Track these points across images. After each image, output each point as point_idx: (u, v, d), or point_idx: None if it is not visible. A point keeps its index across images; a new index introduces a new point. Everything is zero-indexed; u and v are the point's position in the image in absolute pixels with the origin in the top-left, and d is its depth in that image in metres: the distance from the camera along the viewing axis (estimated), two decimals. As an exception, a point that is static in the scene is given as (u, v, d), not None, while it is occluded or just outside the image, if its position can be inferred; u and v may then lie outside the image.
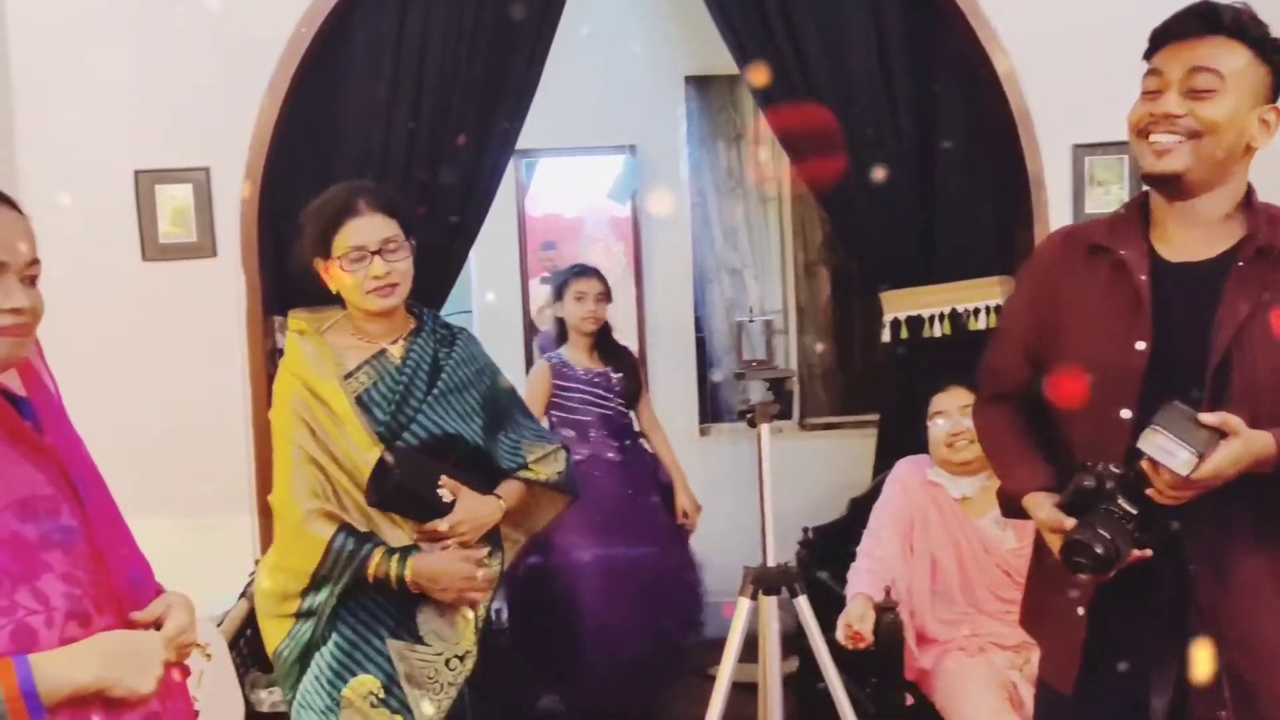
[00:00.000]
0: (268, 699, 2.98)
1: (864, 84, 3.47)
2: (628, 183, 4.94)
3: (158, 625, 1.48)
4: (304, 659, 2.23)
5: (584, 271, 4.01)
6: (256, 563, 3.26)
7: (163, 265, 3.34)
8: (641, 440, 4.03)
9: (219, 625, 3.01)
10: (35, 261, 1.44)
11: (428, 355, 2.31)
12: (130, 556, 1.55)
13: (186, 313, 3.32)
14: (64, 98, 3.27)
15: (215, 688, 1.80)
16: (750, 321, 2.64)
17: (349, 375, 2.25)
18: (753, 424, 2.62)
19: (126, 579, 1.49)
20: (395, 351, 2.30)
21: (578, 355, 3.96)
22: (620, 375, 3.95)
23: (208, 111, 3.29)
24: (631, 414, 4.01)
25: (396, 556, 2.17)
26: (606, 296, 3.97)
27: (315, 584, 2.19)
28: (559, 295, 4.01)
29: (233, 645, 2.97)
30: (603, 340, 4.00)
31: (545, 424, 3.77)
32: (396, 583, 2.17)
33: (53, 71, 3.27)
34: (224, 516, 3.32)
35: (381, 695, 2.18)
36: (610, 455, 3.89)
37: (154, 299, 3.31)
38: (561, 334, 4.05)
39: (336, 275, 2.23)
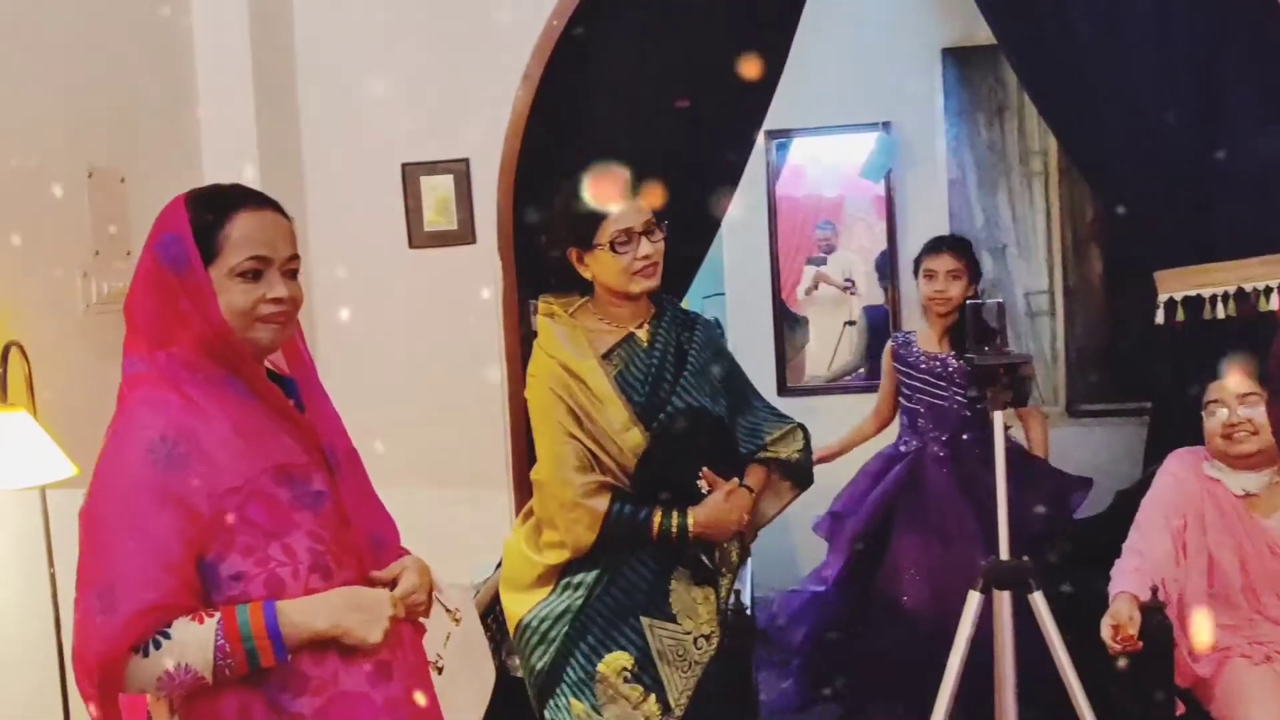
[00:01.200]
0: (517, 665, 3.11)
1: (1137, 49, 3.22)
2: (882, 161, 4.81)
3: (394, 585, 1.62)
4: (555, 628, 2.28)
5: (936, 245, 3.65)
6: (513, 535, 3.42)
7: (427, 252, 3.54)
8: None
9: (475, 594, 3.18)
10: (295, 257, 1.62)
11: (672, 339, 2.35)
12: (375, 521, 1.69)
13: (448, 296, 3.51)
14: (341, 100, 3.52)
15: (464, 650, 1.90)
16: (981, 303, 2.49)
17: (603, 357, 2.31)
18: (988, 411, 2.48)
19: (368, 540, 1.64)
20: (642, 335, 2.34)
21: (926, 337, 3.64)
22: (959, 364, 3.47)
23: (467, 105, 3.46)
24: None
25: (675, 512, 2.23)
26: (964, 274, 3.55)
27: (583, 558, 2.25)
28: (915, 272, 3.70)
29: (488, 613, 3.12)
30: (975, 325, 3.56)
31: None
32: (678, 535, 2.23)
33: (331, 74, 3.53)
34: (482, 490, 3.49)
35: (634, 671, 2.23)
36: (936, 450, 3.56)
37: (419, 284, 3.52)
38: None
39: (601, 260, 2.27)
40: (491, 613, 3.14)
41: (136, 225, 3.01)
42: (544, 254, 2.41)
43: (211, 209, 1.57)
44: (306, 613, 1.50)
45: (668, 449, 2.25)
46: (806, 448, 2.43)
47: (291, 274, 1.61)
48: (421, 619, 1.74)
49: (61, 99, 2.79)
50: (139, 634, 1.42)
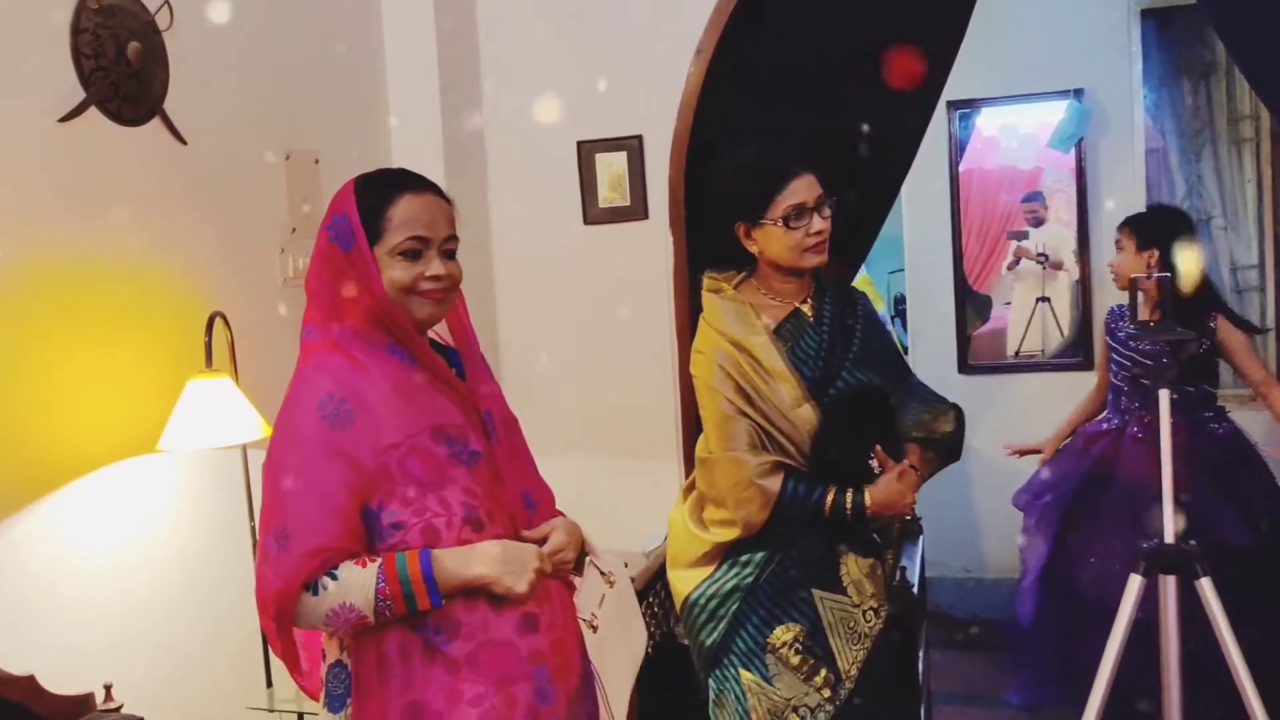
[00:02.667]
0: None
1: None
2: (1072, 129, 4.61)
3: (543, 543, 1.71)
4: (724, 606, 2.29)
5: (1144, 213, 3.53)
6: (679, 506, 3.47)
7: (601, 229, 3.61)
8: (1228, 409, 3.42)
9: (647, 559, 3.25)
10: (453, 238, 1.71)
11: (838, 314, 2.33)
12: (528, 483, 1.79)
13: (621, 272, 3.58)
14: (520, 80, 3.63)
15: (616, 613, 1.96)
16: (1149, 278, 2.37)
17: (773, 333, 2.30)
18: (1153, 388, 2.35)
19: (520, 500, 1.74)
20: (808, 310, 2.32)
21: (1140, 309, 3.44)
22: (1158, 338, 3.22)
23: (641, 82, 3.51)
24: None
25: (850, 491, 2.21)
26: (1142, 247, 3.36)
27: (757, 534, 2.24)
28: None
29: (654, 581, 3.19)
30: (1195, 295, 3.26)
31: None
32: (852, 514, 2.20)
33: (510, 56, 3.64)
34: (651, 461, 3.55)
35: (806, 643, 2.24)
36: (1135, 430, 3.42)
37: (593, 259, 3.60)
38: None
39: (770, 235, 2.26)
40: (660, 579, 3.21)
41: (328, 205, 3.20)
42: (709, 228, 2.41)
43: (376, 192, 1.67)
44: (459, 561, 1.60)
45: (838, 425, 2.23)
46: (957, 428, 2.37)
47: (450, 253, 1.71)
48: (574, 579, 1.81)
49: (263, 87, 2.99)
50: (309, 573, 1.55)
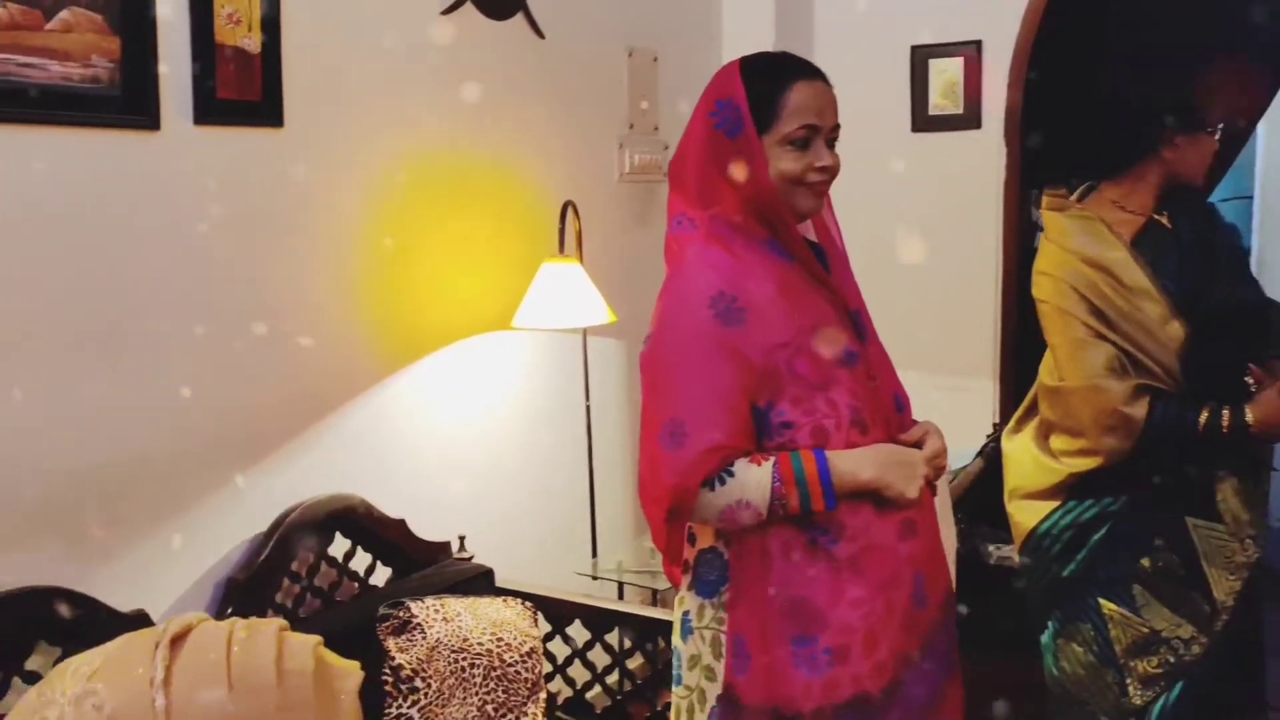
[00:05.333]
0: (995, 554, 3.12)
1: None
2: None
3: (918, 447, 1.65)
4: (1085, 535, 2.20)
5: None
6: (995, 425, 3.38)
7: (930, 136, 3.51)
8: None
9: (951, 481, 3.20)
10: (838, 127, 1.64)
11: (1196, 225, 2.18)
12: (894, 385, 1.73)
13: (949, 182, 3.48)
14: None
15: (941, 519, 1.93)
16: None
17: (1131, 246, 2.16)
18: None
19: (891, 402, 1.68)
20: (1165, 221, 2.19)
21: None
22: None
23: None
24: None
25: (1228, 410, 2.06)
26: None
27: (1122, 463, 2.12)
28: None
29: (963, 499, 3.15)
30: None
31: None
32: (1230, 433, 2.06)
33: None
34: (969, 379, 3.48)
35: (1179, 572, 2.14)
36: None
37: (920, 168, 3.51)
38: None
39: (1202, 145, 2.15)
40: (968, 497, 3.17)
41: (664, 102, 3.27)
42: (1121, 126, 2.24)
43: (767, 78, 1.61)
44: (853, 464, 1.56)
45: (1209, 342, 2.09)
46: None
47: (832, 143, 1.64)
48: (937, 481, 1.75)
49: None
50: (708, 469, 1.53)
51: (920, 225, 3.52)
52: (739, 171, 1.59)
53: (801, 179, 1.60)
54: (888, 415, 1.66)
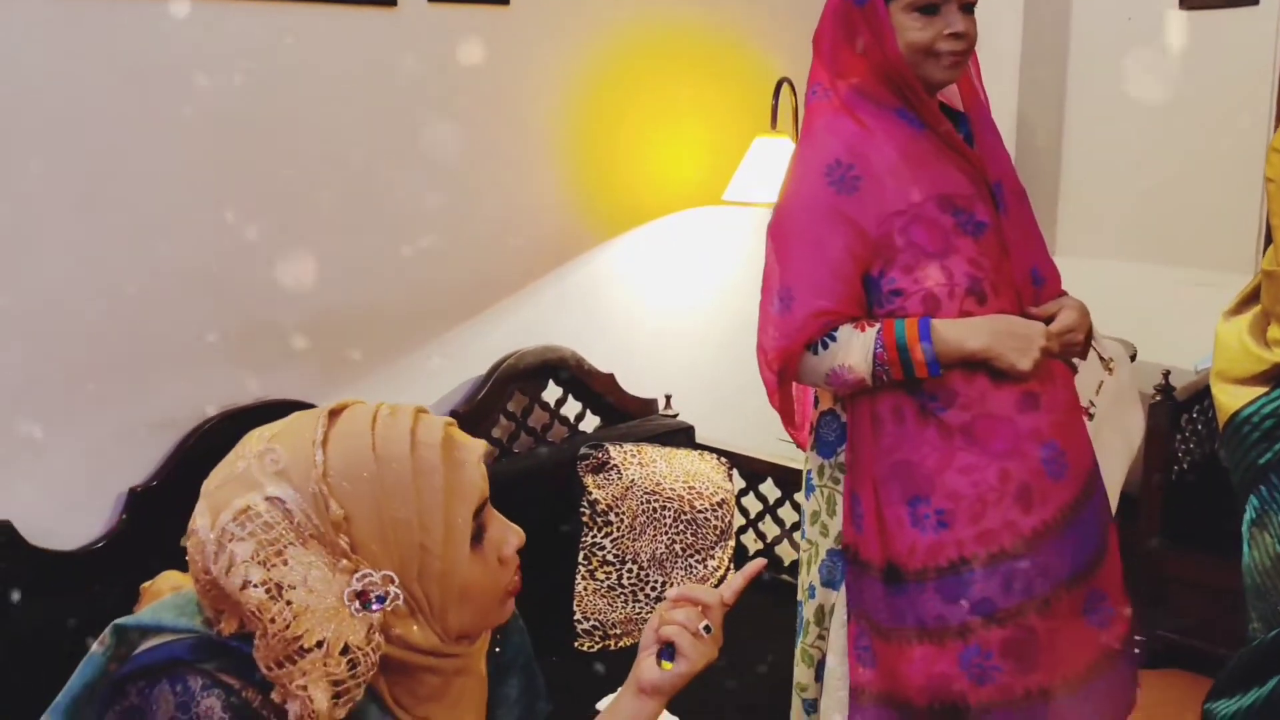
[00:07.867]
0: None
1: None
2: None
3: (1050, 321, 1.64)
4: None
5: None
6: (1243, 322, 3.17)
7: (1200, 14, 3.27)
8: None
9: (1197, 372, 3.04)
10: None
11: None
12: (1036, 259, 1.70)
13: (1220, 62, 3.24)
14: None
15: (1114, 403, 1.88)
16: None
17: None
18: None
19: (1027, 275, 1.67)
20: None
21: None
22: None
23: None
24: None
25: None
26: None
27: None
28: None
29: (1200, 398, 3.00)
30: None
31: None
32: None
33: None
34: (1223, 274, 3.26)
35: None
36: None
37: (1189, 46, 3.28)
38: None
39: None
40: (1205, 397, 3.00)
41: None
42: None
43: None
44: (960, 332, 1.56)
45: None
46: None
47: (968, 8, 1.59)
48: (1077, 361, 1.73)
49: None
50: (811, 333, 1.59)
51: (1186, 107, 3.30)
52: (866, 39, 1.59)
53: (930, 48, 1.57)
54: (1019, 288, 1.64)
